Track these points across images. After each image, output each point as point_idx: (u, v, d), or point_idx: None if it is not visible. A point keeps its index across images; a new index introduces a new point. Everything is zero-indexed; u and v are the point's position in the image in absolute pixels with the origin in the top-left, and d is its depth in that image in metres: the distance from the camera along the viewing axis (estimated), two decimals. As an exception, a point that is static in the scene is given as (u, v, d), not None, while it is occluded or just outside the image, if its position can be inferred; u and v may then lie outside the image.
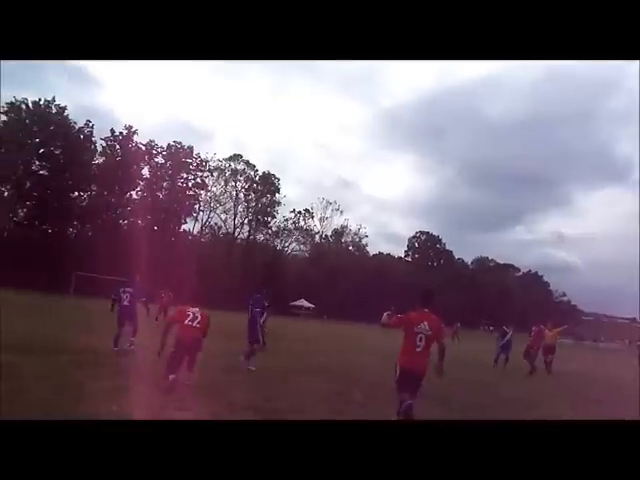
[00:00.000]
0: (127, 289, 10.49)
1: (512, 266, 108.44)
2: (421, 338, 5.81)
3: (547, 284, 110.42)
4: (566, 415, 8.20)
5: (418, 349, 5.81)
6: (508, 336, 16.25)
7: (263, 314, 10.56)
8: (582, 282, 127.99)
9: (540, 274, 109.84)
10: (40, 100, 52.44)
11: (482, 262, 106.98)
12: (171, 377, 7.01)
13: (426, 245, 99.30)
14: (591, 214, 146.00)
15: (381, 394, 8.24)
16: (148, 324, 13.79)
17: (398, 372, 5.92)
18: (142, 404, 5.85)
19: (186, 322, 7.55)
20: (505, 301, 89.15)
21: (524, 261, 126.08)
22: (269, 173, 71.78)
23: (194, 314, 7.64)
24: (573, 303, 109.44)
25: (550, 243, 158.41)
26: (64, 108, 53.57)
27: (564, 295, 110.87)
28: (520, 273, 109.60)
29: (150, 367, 8.47)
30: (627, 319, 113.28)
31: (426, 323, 5.86)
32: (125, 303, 10.31)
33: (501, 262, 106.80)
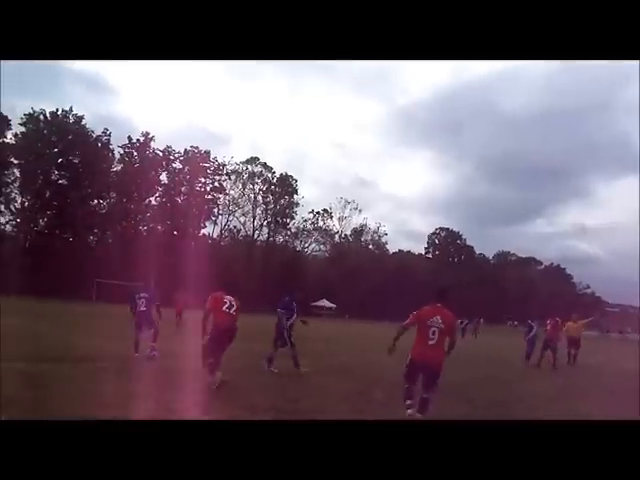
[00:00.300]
0: (142, 294, 10.39)
1: (534, 259, 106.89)
2: (434, 331, 5.96)
3: (570, 276, 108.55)
4: (590, 409, 8.01)
5: (431, 342, 5.95)
6: (534, 331, 15.89)
7: (292, 316, 10.08)
8: (606, 273, 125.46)
9: (563, 267, 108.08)
10: (58, 110, 53.70)
11: (503, 256, 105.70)
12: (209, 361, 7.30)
13: (446, 241, 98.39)
14: (612, 204, 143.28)
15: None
16: (167, 330, 13.89)
17: (408, 361, 6.19)
18: (164, 408, 5.84)
19: (223, 309, 7.55)
20: (528, 295, 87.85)
21: (546, 254, 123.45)
22: (286, 174, 72.04)
23: (230, 302, 7.65)
24: (597, 295, 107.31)
25: (572, 235, 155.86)
26: (81, 117, 54.83)
27: (588, 287, 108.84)
28: (542, 266, 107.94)
29: (173, 372, 8.53)
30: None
31: (439, 317, 6.01)
32: (142, 308, 10.22)
33: (523, 256, 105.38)
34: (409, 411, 6.07)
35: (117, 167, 59.01)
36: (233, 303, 7.70)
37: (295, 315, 10.06)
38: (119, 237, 55.44)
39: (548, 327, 15.69)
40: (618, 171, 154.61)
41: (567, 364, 15.41)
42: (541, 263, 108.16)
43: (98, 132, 55.96)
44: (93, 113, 76.25)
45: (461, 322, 31.83)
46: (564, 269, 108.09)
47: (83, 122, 54.72)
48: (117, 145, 58.52)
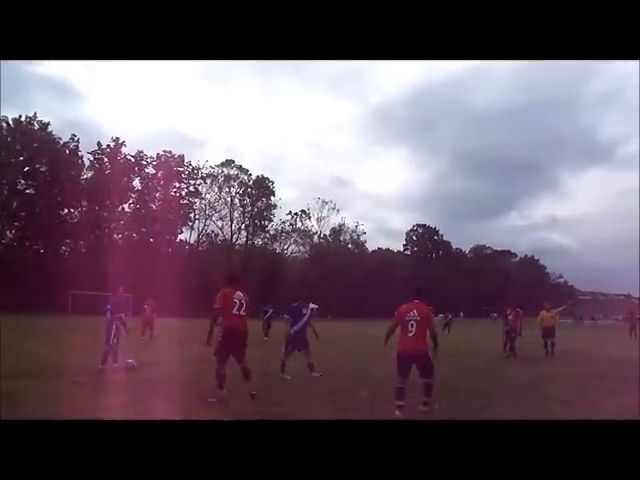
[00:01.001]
0: (108, 305, 10.07)
1: (509, 252, 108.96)
2: (412, 324, 6.62)
3: (544, 267, 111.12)
4: (570, 395, 8.15)
5: (410, 333, 6.63)
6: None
7: (296, 322, 9.97)
8: (577, 262, 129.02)
9: (536, 258, 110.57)
10: (21, 117, 51.78)
11: (480, 250, 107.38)
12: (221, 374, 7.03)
13: (424, 237, 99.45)
14: (581, 196, 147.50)
15: (387, 390, 8.13)
16: (134, 341, 13.57)
17: (397, 356, 6.79)
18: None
19: (234, 311, 7.09)
20: (505, 287, 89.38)
21: (520, 246, 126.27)
22: (263, 177, 71.60)
23: (240, 300, 7.19)
24: (570, 284, 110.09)
25: (544, 227, 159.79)
26: (47, 124, 53.12)
27: (561, 277, 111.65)
28: (517, 258, 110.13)
29: (152, 384, 8.37)
30: (623, 295, 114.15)
31: (415, 311, 6.69)
32: (107, 319, 9.95)
33: (498, 249, 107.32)
34: (397, 412, 6.39)
35: (87, 174, 57.46)
36: (243, 302, 7.23)
37: (302, 321, 9.97)
38: (93, 246, 54.32)
39: (510, 317, 15.74)
40: (585, 163, 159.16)
41: (545, 355, 15.37)
42: (516, 255, 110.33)
43: (65, 138, 54.27)
44: (59, 119, 74.35)
45: (445, 317, 31.84)
46: (538, 260, 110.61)
47: (49, 129, 53.00)
48: (86, 151, 57.03)
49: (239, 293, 7.29)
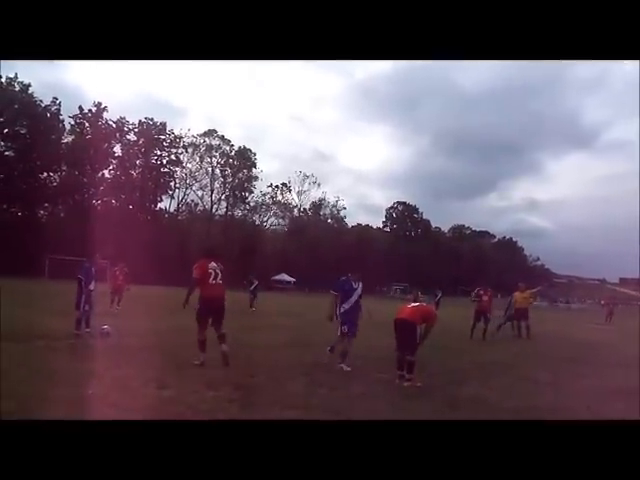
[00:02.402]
0: (80, 272, 10.05)
1: (487, 233, 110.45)
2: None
3: (521, 249, 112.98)
4: (541, 375, 8.50)
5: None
6: (509, 303, 15.83)
7: (345, 301, 8.31)
8: (554, 246, 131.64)
9: (514, 239, 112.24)
10: (1, 78, 50.33)
11: (459, 230, 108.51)
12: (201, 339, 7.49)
13: (404, 215, 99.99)
14: (560, 179, 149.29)
15: (361, 364, 8.38)
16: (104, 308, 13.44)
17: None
18: (119, 386, 5.81)
19: (210, 281, 7.56)
20: (482, 267, 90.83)
21: (499, 227, 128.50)
22: (245, 148, 70.84)
23: (215, 270, 7.64)
24: (546, 267, 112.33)
25: (523, 209, 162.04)
26: (28, 85, 51.73)
27: (538, 259, 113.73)
28: (495, 239, 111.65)
29: (125, 350, 8.46)
30: (597, 280, 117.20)
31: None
32: (79, 285, 9.92)
33: (477, 229, 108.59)
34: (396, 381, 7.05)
35: (68, 138, 56.24)
36: (218, 271, 7.69)
37: (354, 298, 8.33)
38: (71, 212, 53.45)
39: (484, 298, 14.91)
40: (567, 147, 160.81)
41: (517, 336, 15.20)
42: (494, 236, 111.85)
43: (47, 101, 53.03)
44: (40, 81, 72.05)
45: (434, 295, 31.18)
46: (516, 242, 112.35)
47: (30, 91, 51.66)
48: (67, 115, 55.89)
49: (214, 264, 7.72)
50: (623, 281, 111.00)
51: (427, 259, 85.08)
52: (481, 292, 15.40)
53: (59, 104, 53.97)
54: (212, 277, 7.59)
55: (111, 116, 58.65)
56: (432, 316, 7.52)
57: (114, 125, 58.92)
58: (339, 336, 8.29)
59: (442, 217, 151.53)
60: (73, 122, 56.71)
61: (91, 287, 10.00)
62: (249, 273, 23.17)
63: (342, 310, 8.31)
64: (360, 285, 8.55)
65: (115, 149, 59.99)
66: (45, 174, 54.39)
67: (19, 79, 51.07)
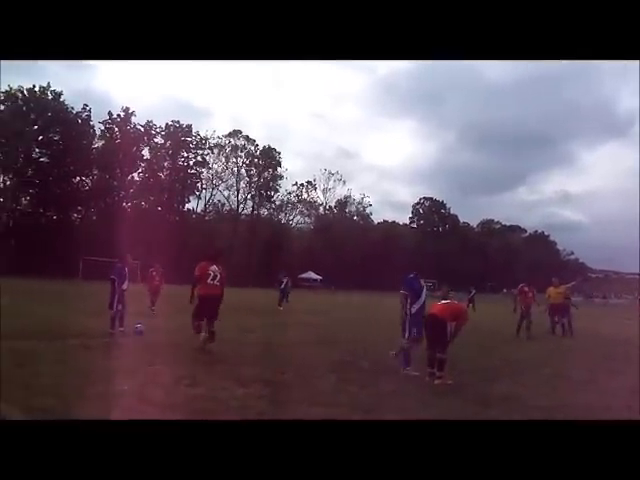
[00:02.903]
0: (113, 272, 10.26)
1: (518, 227, 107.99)
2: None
3: (554, 243, 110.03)
4: (574, 373, 8.30)
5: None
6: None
7: (416, 300, 7.77)
8: (589, 239, 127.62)
9: (546, 234, 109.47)
10: (35, 87, 52.11)
11: (488, 225, 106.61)
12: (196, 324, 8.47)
13: (431, 211, 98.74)
14: (595, 170, 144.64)
15: (389, 362, 8.33)
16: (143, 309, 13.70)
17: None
18: (152, 383, 5.91)
19: (208, 281, 8.37)
20: (513, 263, 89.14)
21: (530, 222, 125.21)
22: (269, 147, 71.23)
23: (214, 272, 8.42)
24: (581, 261, 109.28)
25: (555, 202, 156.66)
26: (60, 93, 53.51)
27: (572, 254, 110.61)
28: (527, 234, 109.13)
29: (158, 348, 8.61)
30: (635, 274, 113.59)
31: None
32: (112, 285, 10.12)
33: (507, 224, 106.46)
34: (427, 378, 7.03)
35: (98, 143, 57.83)
36: (217, 274, 8.44)
37: (423, 298, 7.84)
38: (103, 214, 54.79)
39: (529, 295, 14.78)
40: (600, 137, 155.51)
41: (552, 333, 14.80)
42: (525, 231, 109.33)
43: (78, 108, 54.75)
44: (71, 89, 73.79)
45: (469, 292, 30.39)
46: (548, 236, 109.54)
47: (62, 98, 53.44)
48: (97, 121, 57.43)
49: (214, 267, 8.53)
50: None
51: (455, 255, 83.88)
52: (525, 288, 15.14)
53: (89, 110, 55.65)
54: (210, 278, 8.38)
55: (139, 120, 60.00)
56: (463, 314, 7.45)
57: (142, 129, 60.11)
58: (407, 340, 7.64)
59: (470, 212, 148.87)
60: (103, 127, 58.22)
61: (124, 287, 10.21)
62: (279, 272, 23.19)
63: (413, 311, 7.68)
64: (424, 284, 8.10)
65: (143, 152, 61.30)
66: (78, 178, 56.10)
67: (51, 87, 52.91)
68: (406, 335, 7.65)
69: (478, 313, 22.80)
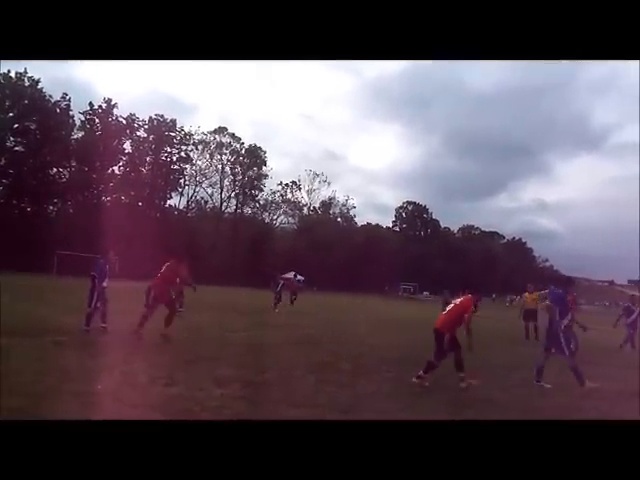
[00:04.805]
0: (94, 269, 10.00)
1: (497, 234, 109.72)
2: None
3: (530, 250, 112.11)
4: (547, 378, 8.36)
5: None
6: (636, 314, 14.81)
7: (567, 314, 7.48)
8: (563, 247, 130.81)
9: (524, 241, 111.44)
10: (10, 72, 50.04)
11: (468, 230, 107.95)
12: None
13: (413, 215, 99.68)
14: (570, 181, 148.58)
15: (369, 363, 8.32)
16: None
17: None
18: (127, 382, 5.77)
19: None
20: (491, 268, 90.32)
21: (508, 228, 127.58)
22: (255, 146, 71.06)
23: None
24: (555, 268, 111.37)
25: (532, 210, 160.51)
26: (38, 81, 51.58)
27: (547, 261, 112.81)
28: (505, 240, 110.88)
29: (132, 346, 8.44)
30: (606, 282, 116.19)
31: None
32: (92, 283, 9.88)
33: (486, 230, 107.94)
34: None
35: (77, 134, 56.44)
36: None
37: (569, 314, 7.51)
38: (81, 208, 53.73)
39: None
40: (576, 149, 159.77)
41: (525, 338, 15.05)
42: (503, 237, 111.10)
43: (57, 97, 53.11)
44: (50, 76, 71.82)
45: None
46: (525, 243, 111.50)
47: (40, 86, 51.65)
48: (77, 111, 55.92)
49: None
50: (632, 283, 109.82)
51: (436, 259, 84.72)
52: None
53: (69, 100, 54.14)
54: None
55: (121, 113, 58.95)
56: (465, 308, 7.28)
57: (124, 122, 59.11)
58: (569, 356, 7.49)
59: (451, 217, 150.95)
60: (83, 118, 56.91)
61: (104, 284, 9.96)
62: (276, 274, 22.91)
63: (562, 326, 7.47)
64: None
65: (125, 146, 60.28)
66: (55, 170, 54.56)
67: (28, 74, 50.88)
68: (566, 352, 7.44)
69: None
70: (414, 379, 6.95)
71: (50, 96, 52.40)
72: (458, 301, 7.51)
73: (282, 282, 21.63)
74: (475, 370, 8.51)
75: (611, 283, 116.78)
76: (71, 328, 9.44)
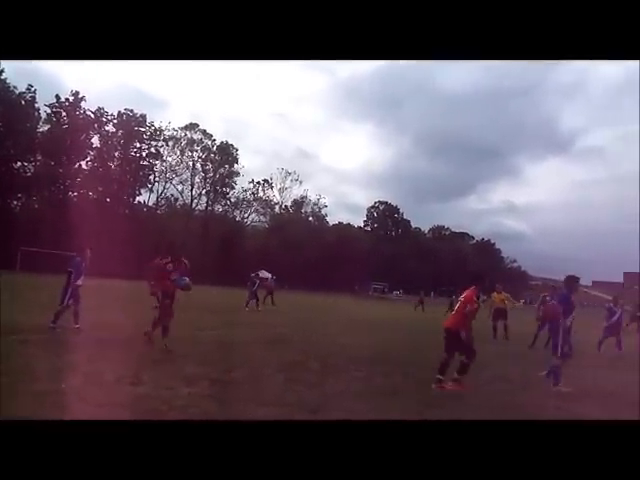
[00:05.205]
0: (69, 268, 9.72)
1: (467, 234, 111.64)
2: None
3: (499, 251, 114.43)
4: (510, 373, 8.57)
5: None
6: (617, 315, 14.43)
7: (570, 314, 7.55)
8: (530, 249, 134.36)
9: (492, 242, 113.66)
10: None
11: (438, 231, 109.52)
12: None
13: (385, 215, 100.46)
14: (538, 183, 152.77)
15: (338, 362, 8.35)
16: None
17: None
18: (93, 382, 5.64)
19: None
20: (461, 268, 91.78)
21: (478, 229, 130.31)
22: (227, 143, 70.37)
23: None
24: (523, 269, 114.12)
25: (501, 212, 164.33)
26: (1, 71, 49.92)
27: (515, 261, 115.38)
28: (474, 241, 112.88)
29: (102, 345, 8.28)
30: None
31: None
32: (68, 280, 9.61)
33: (456, 231, 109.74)
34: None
35: (43, 127, 54.92)
36: None
37: (573, 313, 7.57)
38: (46, 203, 52.22)
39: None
40: (544, 152, 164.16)
41: (493, 337, 15.27)
42: (473, 238, 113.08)
43: (21, 88, 51.61)
44: (14, 67, 69.08)
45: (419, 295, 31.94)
46: (494, 244, 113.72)
47: (3, 76, 50.05)
48: (43, 104, 54.40)
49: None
50: (596, 284, 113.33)
51: (407, 259, 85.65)
52: (547, 298, 14.80)
53: (34, 92, 52.67)
54: None
55: (89, 106, 57.58)
56: (468, 302, 7.13)
57: (92, 115, 57.79)
58: (559, 356, 7.48)
59: (422, 218, 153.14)
60: (49, 111, 55.31)
61: (79, 282, 9.70)
62: (252, 273, 22.69)
63: (567, 325, 7.52)
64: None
65: (93, 140, 58.97)
66: (19, 163, 52.94)
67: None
68: (558, 352, 7.46)
69: (432, 316, 23.18)
70: (449, 384, 6.85)
71: (15, 87, 50.99)
72: (462, 297, 7.25)
73: (258, 282, 21.52)
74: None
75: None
76: (34, 327, 9.18)
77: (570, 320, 7.51)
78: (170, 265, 8.46)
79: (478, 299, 7.30)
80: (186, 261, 8.87)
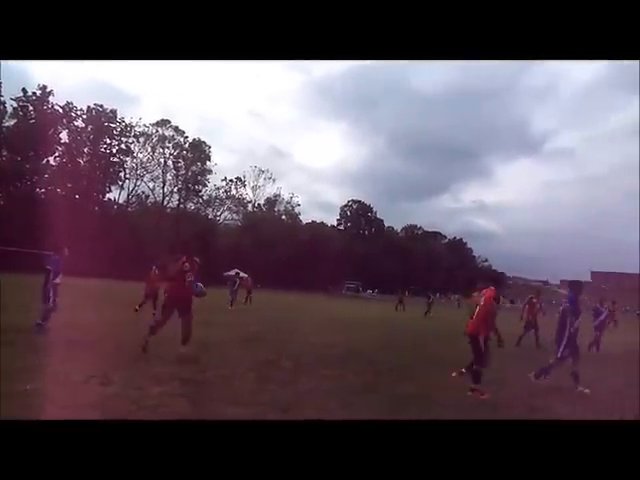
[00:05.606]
0: (49, 264, 9.44)
1: (439, 234, 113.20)
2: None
3: (470, 250, 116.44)
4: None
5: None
6: (603, 316, 14.65)
7: (578, 317, 7.70)
8: (501, 248, 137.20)
9: (464, 241, 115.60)
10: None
11: (411, 230, 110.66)
12: None
13: (358, 214, 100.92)
14: (508, 184, 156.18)
15: (310, 361, 8.39)
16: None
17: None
18: (60, 382, 5.55)
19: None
20: (433, 267, 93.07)
21: (450, 229, 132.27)
22: (199, 140, 69.47)
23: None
24: (494, 268, 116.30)
25: (473, 211, 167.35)
26: (-36, 63, 48.44)
27: (486, 260, 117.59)
28: (446, 240, 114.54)
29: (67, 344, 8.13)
30: (540, 281, 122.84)
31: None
32: (47, 279, 9.43)
33: (429, 230, 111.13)
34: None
35: (9, 122, 53.28)
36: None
37: (579, 317, 7.72)
38: (13, 199, 50.68)
39: (537, 306, 14.95)
40: (515, 153, 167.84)
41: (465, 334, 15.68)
42: (445, 237, 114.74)
43: (-15, 82, 50.03)
44: (-21, 59, 67.28)
45: (429, 297, 31.95)
46: (465, 243, 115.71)
47: (-34, 69, 48.58)
48: (9, 97, 52.76)
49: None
50: (563, 283, 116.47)
51: (380, 258, 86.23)
52: (534, 300, 15.07)
53: (0, 85, 51.02)
54: None
55: (57, 101, 56.05)
56: (486, 301, 7.28)
57: (61, 110, 56.30)
58: (558, 357, 7.62)
59: (395, 217, 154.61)
60: (15, 105, 53.66)
61: (57, 280, 9.47)
62: (224, 272, 23.00)
63: (573, 330, 7.60)
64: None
65: (61, 136, 57.44)
66: (-17, 159, 51.32)
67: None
68: (559, 353, 7.57)
69: (404, 315, 23.35)
70: (469, 393, 6.84)
71: (-22, 81, 49.24)
72: (482, 300, 7.25)
73: (238, 281, 21.50)
74: (414, 368, 8.82)
75: (545, 283, 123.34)
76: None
77: (577, 323, 7.64)
78: (187, 265, 8.27)
79: (498, 302, 7.37)
80: (197, 259, 8.69)
